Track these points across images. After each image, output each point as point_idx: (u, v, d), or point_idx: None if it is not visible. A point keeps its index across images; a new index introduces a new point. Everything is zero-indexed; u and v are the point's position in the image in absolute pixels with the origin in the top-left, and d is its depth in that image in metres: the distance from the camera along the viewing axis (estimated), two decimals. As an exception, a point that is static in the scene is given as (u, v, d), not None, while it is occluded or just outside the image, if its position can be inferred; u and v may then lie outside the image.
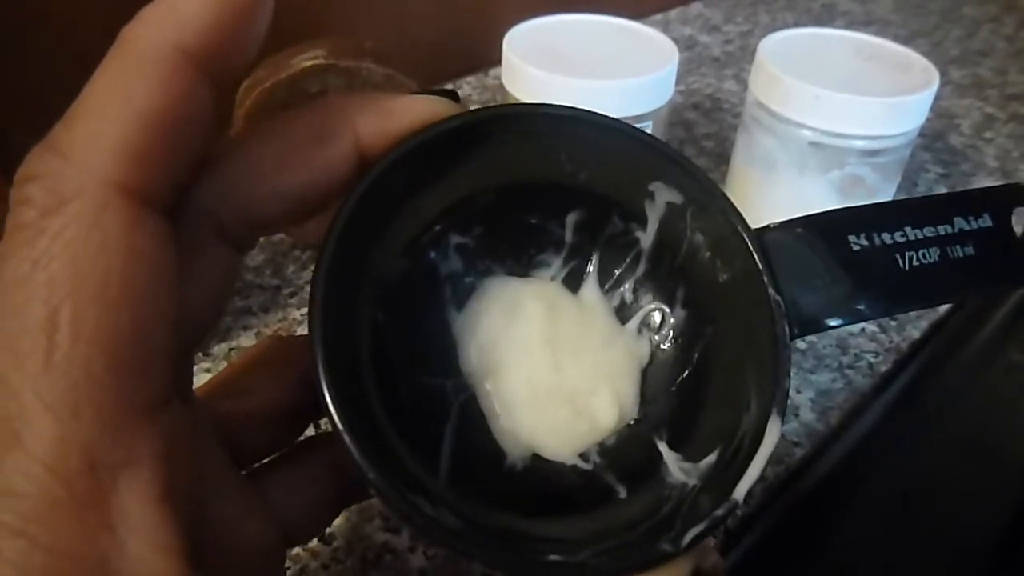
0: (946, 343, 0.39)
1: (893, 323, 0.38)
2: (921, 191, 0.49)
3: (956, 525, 0.34)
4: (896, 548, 0.33)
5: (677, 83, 0.39)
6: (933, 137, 0.54)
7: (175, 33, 0.13)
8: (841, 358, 0.36)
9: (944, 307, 0.40)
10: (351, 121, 0.17)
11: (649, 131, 0.37)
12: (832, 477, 0.32)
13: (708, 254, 0.19)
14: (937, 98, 0.38)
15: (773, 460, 0.31)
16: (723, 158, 0.49)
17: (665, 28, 0.69)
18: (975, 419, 0.39)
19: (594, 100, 0.35)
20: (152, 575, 0.13)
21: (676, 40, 0.39)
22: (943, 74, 0.51)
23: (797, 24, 0.72)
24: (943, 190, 0.49)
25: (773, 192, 0.40)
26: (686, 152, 0.51)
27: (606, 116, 0.19)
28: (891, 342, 0.37)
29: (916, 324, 0.39)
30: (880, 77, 0.38)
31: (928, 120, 0.39)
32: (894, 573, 0.32)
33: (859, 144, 0.36)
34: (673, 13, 0.73)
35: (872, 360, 0.36)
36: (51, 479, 0.12)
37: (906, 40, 0.65)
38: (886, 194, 0.40)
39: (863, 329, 0.38)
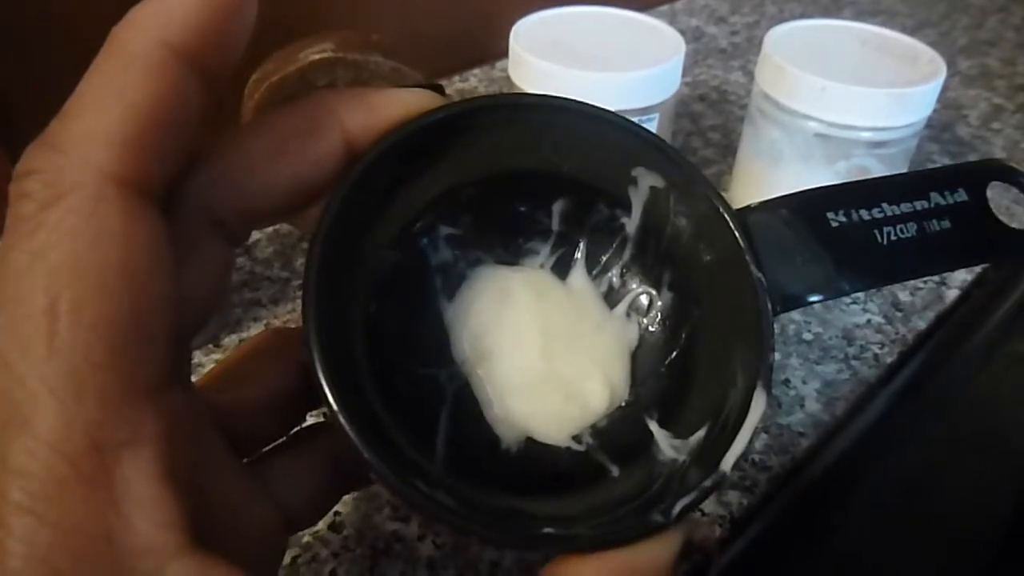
0: (952, 334, 0.39)
1: (899, 314, 0.38)
2: (928, 182, 0.48)
3: (961, 515, 0.34)
4: (900, 538, 0.33)
5: (684, 75, 0.39)
6: (940, 128, 0.54)
7: (163, 31, 0.14)
8: (847, 349, 0.36)
9: (950, 298, 0.40)
10: (338, 115, 0.17)
11: (655, 123, 0.37)
12: (837, 467, 0.33)
13: (692, 236, 0.20)
14: (944, 89, 0.38)
15: (779, 450, 0.31)
16: (729, 150, 0.49)
17: (672, 20, 0.69)
18: (980, 410, 0.39)
19: (600, 92, 0.35)
20: (155, 549, 0.13)
21: (682, 32, 0.39)
22: (950, 65, 0.51)
23: (804, 15, 0.72)
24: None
25: (779, 184, 0.40)
26: (692, 144, 0.51)
27: (588, 104, 0.19)
28: (897, 333, 0.37)
29: (922, 315, 0.39)
30: (887, 68, 0.38)
31: (935, 111, 0.39)
32: (898, 563, 0.33)
33: (865, 135, 0.36)
34: (679, 4, 0.73)
35: (878, 351, 0.36)
36: (57, 459, 0.12)
37: (913, 30, 0.65)
38: (892, 185, 0.40)
39: (869, 320, 0.38)
